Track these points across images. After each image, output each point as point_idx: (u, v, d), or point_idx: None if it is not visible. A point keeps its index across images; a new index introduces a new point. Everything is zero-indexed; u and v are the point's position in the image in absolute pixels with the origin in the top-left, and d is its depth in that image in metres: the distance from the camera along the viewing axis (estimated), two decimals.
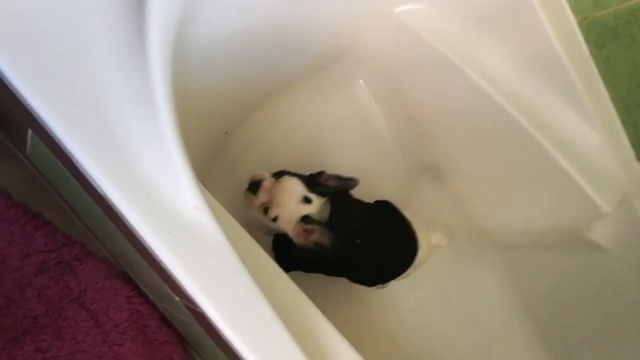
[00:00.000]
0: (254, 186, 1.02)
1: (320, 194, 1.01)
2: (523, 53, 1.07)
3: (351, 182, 1.03)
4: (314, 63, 1.23)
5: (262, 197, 1.01)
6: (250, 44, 1.00)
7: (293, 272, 1.02)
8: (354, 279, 1.20)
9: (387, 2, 1.14)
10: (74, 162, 0.64)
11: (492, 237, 1.42)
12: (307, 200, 0.99)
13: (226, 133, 1.23)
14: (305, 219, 0.98)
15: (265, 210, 1.00)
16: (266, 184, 1.01)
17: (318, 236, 0.96)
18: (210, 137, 1.19)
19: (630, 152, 1.08)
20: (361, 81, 1.28)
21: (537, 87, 1.09)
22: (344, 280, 1.21)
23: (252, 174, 1.05)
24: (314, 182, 1.02)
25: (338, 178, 1.02)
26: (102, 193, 0.64)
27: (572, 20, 1.02)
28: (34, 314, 1.12)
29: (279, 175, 1.02)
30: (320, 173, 1.03)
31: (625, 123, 1.06)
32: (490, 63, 1.11)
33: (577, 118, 1.07)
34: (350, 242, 1.03)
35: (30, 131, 0.77)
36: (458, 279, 1.48)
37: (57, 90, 0.58)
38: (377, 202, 1.16)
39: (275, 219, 1.00)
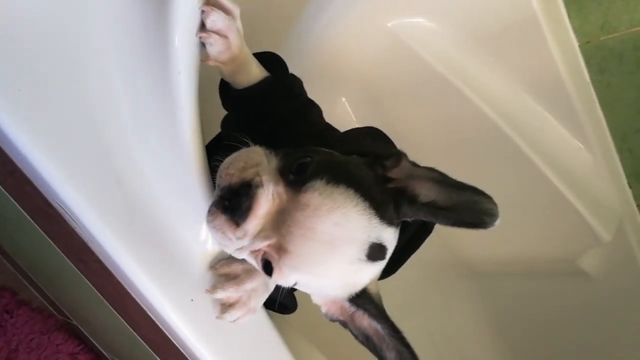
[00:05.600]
0: (237, 201, 0.44)
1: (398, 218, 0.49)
2: (525, 73, 1.03)
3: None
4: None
5: (255, 229, 0.44)
6: None
7: None
8: None
9: (378, 16, 1.05)
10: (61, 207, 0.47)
11: (474, 267, 1.36)
12: (375, 254, 0.46)
13: None
14: (361, 298, 0.49)
15: (266, 264, 0.46)
16: (265, 194, 0.44)
17: (366, 326, 0.50)
18: None
19: (623, 180, 1.07)
20: (343, 99, 1.17)
21: (537, 109, 1.05)
22: None
23: (229, 158, 0.48)
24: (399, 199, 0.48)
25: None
26: (100, 252, 0.47)
27: (575, 43, 0.98)
28: None
29: (295, 163, 0.46)
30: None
31: (621, 150, 1.04)
32: (488, 82, 1.06)
33: (576, 143, 1.04)
34: None
35: None
36: (435, 311, 1.41)
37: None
38: None
39: (294, 285, 0.47)
